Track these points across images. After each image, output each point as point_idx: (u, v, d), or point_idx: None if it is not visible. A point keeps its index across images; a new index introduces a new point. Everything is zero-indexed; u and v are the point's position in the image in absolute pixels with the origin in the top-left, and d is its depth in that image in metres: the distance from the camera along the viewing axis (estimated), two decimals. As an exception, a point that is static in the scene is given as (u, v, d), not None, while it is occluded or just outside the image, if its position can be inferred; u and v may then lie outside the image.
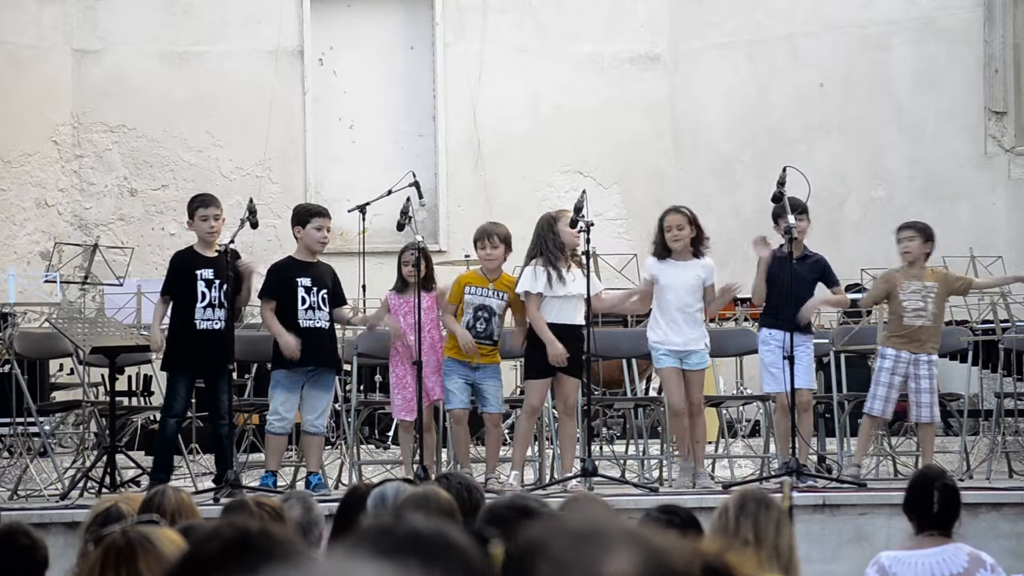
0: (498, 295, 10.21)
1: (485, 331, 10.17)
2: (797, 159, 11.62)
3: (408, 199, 10.93)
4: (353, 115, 16.54)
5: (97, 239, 14.04)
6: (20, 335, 11.42)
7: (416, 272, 10.14)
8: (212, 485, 10.22)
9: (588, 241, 10.00)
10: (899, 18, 15.73)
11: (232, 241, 10.23)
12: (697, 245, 10.20)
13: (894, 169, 15.78)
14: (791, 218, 10.12)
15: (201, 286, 10.22)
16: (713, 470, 11.39)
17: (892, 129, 15.80)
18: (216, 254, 10.28)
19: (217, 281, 10.19)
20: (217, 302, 10.19)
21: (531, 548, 2.03)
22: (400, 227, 10.59)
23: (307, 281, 10.23)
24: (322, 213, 10.51)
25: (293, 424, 10.41)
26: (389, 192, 12.63)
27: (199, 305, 10.19)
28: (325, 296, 10.24)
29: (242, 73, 16.27)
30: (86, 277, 12.61)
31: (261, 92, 16.21)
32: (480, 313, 10.16)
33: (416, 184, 12.40)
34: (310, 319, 10.21)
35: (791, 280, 10.15)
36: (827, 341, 11.40)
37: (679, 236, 10.17)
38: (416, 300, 10.11)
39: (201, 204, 10.43)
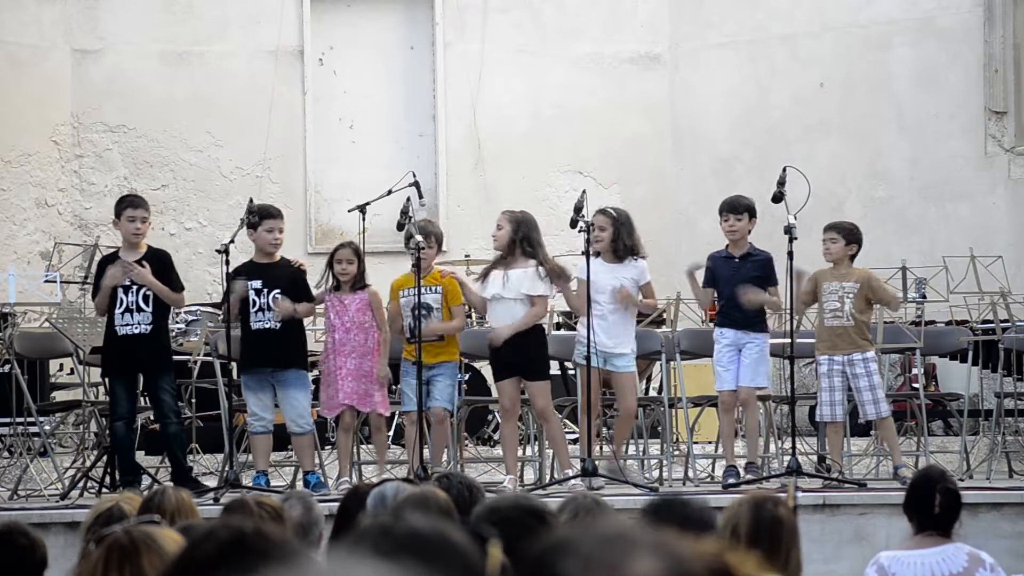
0: (431, 290, 10.26)
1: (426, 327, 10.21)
2: (797, 159, 11.62)
3: (408, 199, 10.94)
4: (353, 115, 16.54)
5: (97, 239, 14.04)
6: (20, 335, 11.43)
7: (417, 271, 10.16)
8: (211, 485, 10.25)
9: (588, 241, 10.02)
10: (899, 18, 15.73)
11: (232, 241, 10.25)
12: (623, 250, 10.24)
13: (894, 169, 15.77)
14: (791, 218, 10.14)
15: (119, 292, 10.20)
16: (713, 470, 11.42)
17: (892, 129, 15.80)
18: (138, 257, 10.27)
19: (134, 286, 10.17)
20: (135, 307, 10.18)
21: (557, 546, 2.07)
22: (400, 227, 10.59)
23: (257, 284, 10.26)
24: (273, 215, 10.48)
25: (272, 422, 10.43)
26: (389, 192, 12.62)
27: (117, 311, 10.20)
28: (277, 297, 10.26)
29: (242, 73, 16.27)
30: (86, 277, 12.62)
31: (261, 92, 16.21)
32: (417, 312, 10.17)
33: (416, 184, 12.39)
34: (260, 321, 10.26)
35: (790, 281, 10.19)
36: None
37: (600, 237, 10.25)
38: (417, 299, 10.13)
39: (130, 205, 10.39)
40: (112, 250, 10.71)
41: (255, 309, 10.26)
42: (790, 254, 10.10)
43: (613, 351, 10.27)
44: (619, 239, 10.29)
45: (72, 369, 12.43)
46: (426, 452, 10.21)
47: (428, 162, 16.28)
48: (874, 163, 15.83)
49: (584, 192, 10.42)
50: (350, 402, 10.37)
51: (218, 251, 10.24)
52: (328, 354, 10.42)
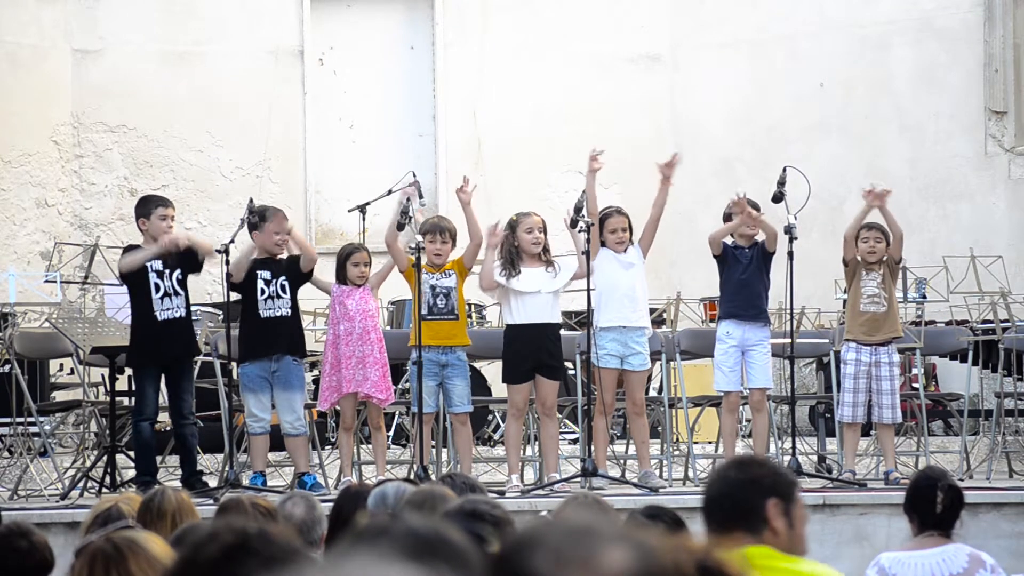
0: (446, 274, 10.36)
1: (447, 306, 10.28)
2: (797, 159, 11.63)
3: (408, 199, 10.94)
4: (353, 115, 16.53)
5: (97, 239, 14.04)
6: (20, 335, 11.43)
7: (417, 271, 10.17)
8: (211, 485, 10.25)
9: (588, 241, 10.02)
10: (899, 18, 15.73)
11: (232, 241, 10.25)
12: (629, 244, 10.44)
13: (894, 169, 15.76)
14: (791, 218, 10.15)
15: (153, 277, 10.29)
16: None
17: (892, 129, 15.80)
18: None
19: (167, 271, 10.29)
20: (172, 291, 10.29)
21: (528, 540, 2.06)
22: (400, 227, 10.60)
23: (267, 273, 10.34)
24: (271, 217, 10.49)
25: (270, 423, 10.45)
26: (389, 192, 12.63)
27: (155, 296, 10.28)
28: (284, 284, 10.32)
29: (242, 73, 16.27)
30: (86, 277, 12.60)
31: (261, 92, 16.20)
32: (438, 291, 10.27)
33: (416, 184, 12.39)
34: (270, 308, 10.30)
35: (790, 282, 10.18)
36: (827, 341, 11.41)
37: (623, 238, 10.30)
38: (417, 298, 10.14)
39: (161, 204, 10.57)
40: (115, 248, 10.77)
41: (264, 297, 10.29)
42: (790, 254, 10.09)
43: (629, 349, 10.27)
44: (632, 235, 10.42)
45: (72, 369, 12.42)
46: (429, 453, 10.21)
47: (428, 162, 16.27)
48: (874, 163, 15.82)
49: (584, 192, 10.42)
50: (351, 388, 10.32)
51: (218, 251, 10.26)
52: (331, 345, 10.43)
